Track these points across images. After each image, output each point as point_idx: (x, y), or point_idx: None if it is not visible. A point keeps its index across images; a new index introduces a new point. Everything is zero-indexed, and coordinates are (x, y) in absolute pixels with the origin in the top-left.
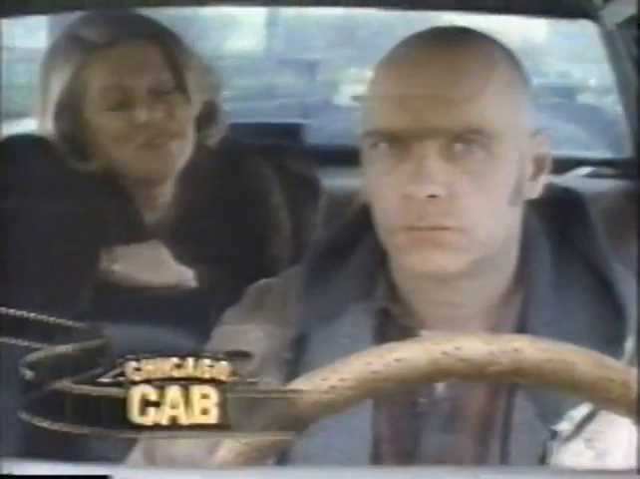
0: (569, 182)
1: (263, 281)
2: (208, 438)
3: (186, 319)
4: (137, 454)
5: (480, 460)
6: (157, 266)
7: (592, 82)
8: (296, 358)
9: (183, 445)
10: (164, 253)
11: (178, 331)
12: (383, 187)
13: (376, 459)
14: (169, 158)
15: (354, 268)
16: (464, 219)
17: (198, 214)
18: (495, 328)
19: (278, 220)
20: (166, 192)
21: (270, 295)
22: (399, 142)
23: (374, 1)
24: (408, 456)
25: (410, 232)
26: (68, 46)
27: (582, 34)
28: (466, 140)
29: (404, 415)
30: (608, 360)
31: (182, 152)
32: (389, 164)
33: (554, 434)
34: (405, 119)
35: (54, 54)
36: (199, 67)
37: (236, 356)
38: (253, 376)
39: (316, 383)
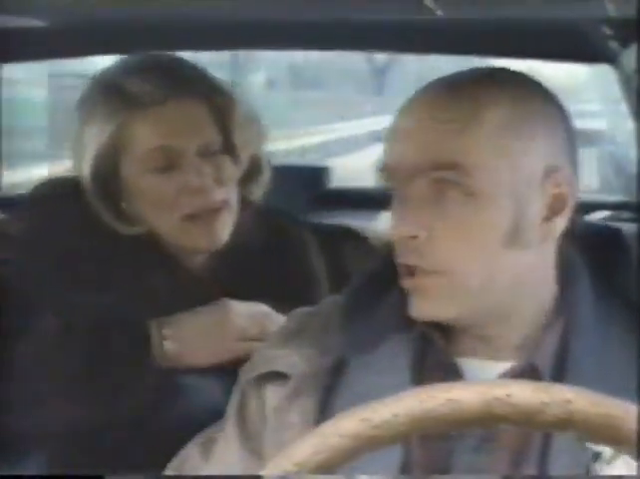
0: None
1: (305, 309)
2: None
3: None
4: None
5: None
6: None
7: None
8: (334, 384)
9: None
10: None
11: None
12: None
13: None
14: (217, 231)
15: (394, 298)
16: (441, 261)
17: (241, 275)
18: (535, 357)
19: (319, 283)
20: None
21: (311, 322)
22: (394, 180)
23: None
24: (440, 473)
25: (404, 277)
26: (110, 97)
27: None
28: (448, 180)
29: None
30: None
31: (229, 222)
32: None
33: (597, 456)
34: (394, 157)
35: (93, 100)
36: (246, 120)
37: (272, 378)
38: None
39: (365, 416)
